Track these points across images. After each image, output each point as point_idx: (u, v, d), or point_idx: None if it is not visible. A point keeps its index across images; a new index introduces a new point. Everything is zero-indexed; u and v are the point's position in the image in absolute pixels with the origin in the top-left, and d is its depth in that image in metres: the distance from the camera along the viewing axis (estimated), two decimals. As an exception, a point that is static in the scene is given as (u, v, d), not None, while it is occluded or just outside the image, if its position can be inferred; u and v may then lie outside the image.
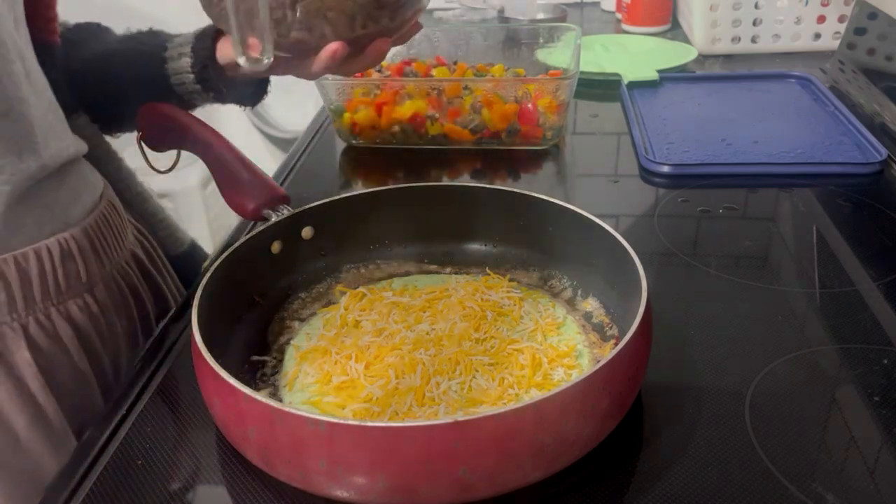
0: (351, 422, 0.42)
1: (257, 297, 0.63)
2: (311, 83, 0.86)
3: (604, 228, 0.59)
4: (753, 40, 1.29)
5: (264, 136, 2.40)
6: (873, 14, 1.09)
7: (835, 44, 1.24)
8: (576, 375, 0.54)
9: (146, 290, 0.73)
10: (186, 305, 0.66)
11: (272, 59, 0.52)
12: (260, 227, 0.63)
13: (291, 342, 0.60)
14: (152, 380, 0.58)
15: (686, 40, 1.37)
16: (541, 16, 1.49)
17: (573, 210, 0.62)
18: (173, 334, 0.64)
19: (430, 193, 0.69)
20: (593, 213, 0.61)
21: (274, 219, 0.63)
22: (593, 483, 0.48)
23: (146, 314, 0.73)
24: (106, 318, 0.66)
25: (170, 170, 0.74)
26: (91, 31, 0.77)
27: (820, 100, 1.06)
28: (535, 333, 0.58)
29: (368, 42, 0.62)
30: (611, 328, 0.59)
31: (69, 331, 0.62)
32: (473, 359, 0.55)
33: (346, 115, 0.98)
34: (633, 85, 1.13)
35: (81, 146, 0.67)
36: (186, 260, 0.83)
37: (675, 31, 1.45)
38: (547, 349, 0.56)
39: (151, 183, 0.82)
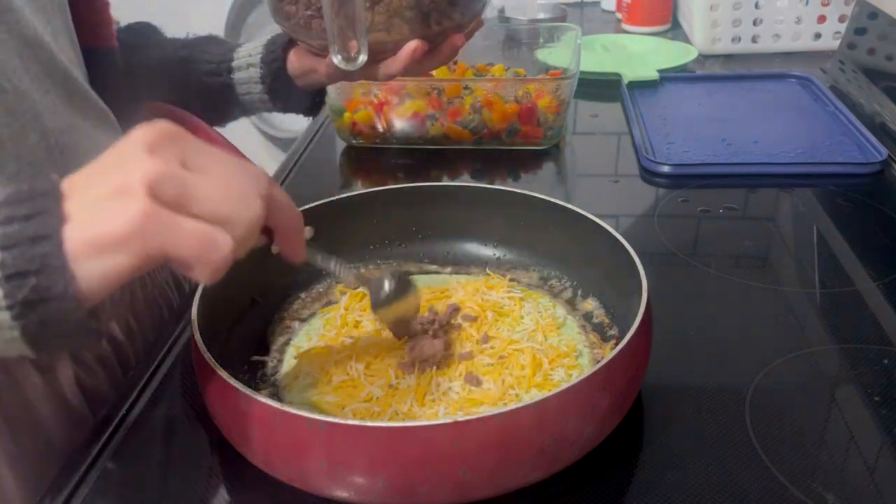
0: (351, 422, 0.42)
1: (257, 297, 0.63)
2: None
3: (604, 228, 0.59)
4: (754, 40, 1.29)
5: (264, 136, 2.40)
6: (874, 14, 1.09)
7: (835, 43, 1.24)
8: (576, 375, 0.54)
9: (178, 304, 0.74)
10: (186, 305, 0.66)
11: (367, 56, 0.58)
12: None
13: (291, 342, 0.60)
14: (152, 380, 0.58)
15: (686, 40, 1.37)
16: (541, 15, 1.49)
17: (573, 210, 0.62)
18: (173, 334, 0.64)
19: (430, 193, 0.69)
20: (593, 213, 0.61)
21: (274, 219, 0.63)
22: (593, 483, 0.48)
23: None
24: (143, 336, 0.67)
25: None
26: (145, 34, 0.77)
27: (820, 100, 1.06)
28: (535, 333, 0.58)
29: (442, 40, 0.65)
30: (611, 328, 0.59)
31: (109, 348, 0.63)
32: (473, 359, 0.55)
33: (346, 115, 0.98)
34: (634, 85, 1.13)
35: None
36: None
37: (675, 30, 1.45)
38: (547, 349, 0.56)
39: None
